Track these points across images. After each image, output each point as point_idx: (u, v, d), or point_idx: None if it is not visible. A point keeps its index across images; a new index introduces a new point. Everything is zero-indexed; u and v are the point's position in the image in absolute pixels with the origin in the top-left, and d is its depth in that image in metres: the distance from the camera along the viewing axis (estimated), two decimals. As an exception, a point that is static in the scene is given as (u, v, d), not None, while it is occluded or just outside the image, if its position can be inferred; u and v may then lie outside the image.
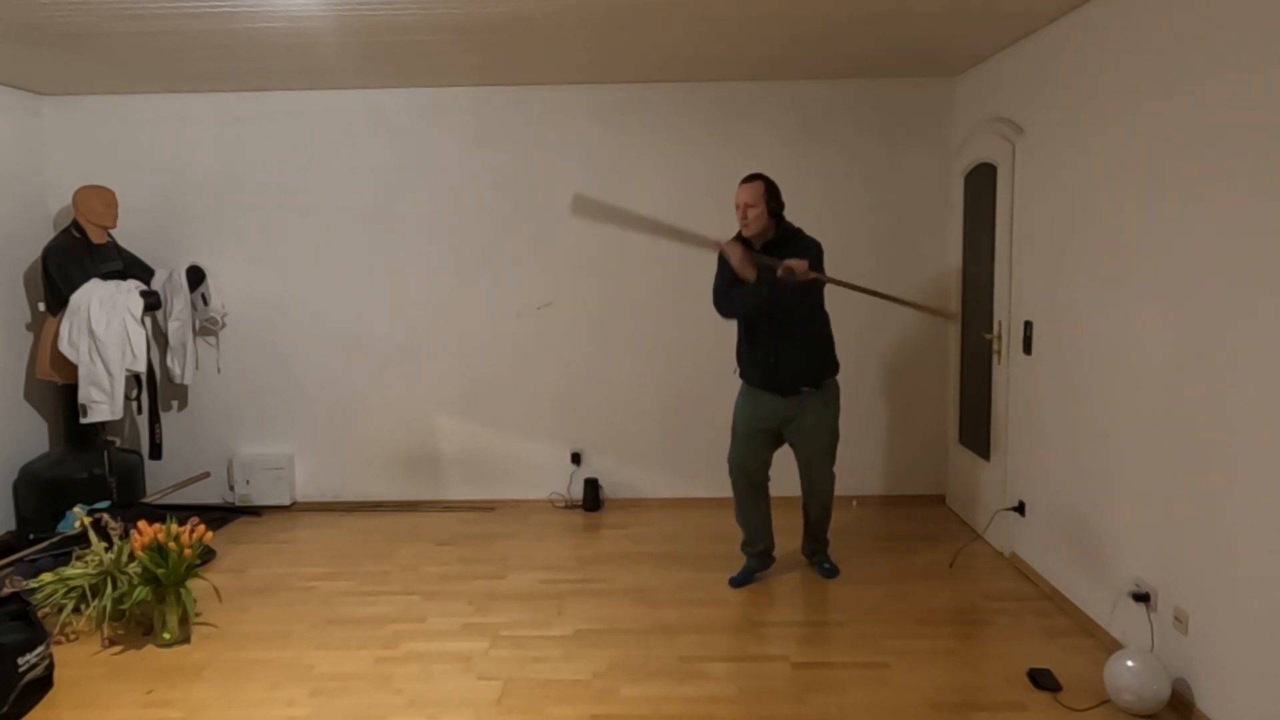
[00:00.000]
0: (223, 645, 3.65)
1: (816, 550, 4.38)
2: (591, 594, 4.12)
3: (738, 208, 3.88)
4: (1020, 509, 4.31)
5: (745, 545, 4.25)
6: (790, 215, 5.27)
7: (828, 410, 4.08)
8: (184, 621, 3.68)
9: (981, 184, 4.74)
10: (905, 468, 5.48)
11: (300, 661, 3.50)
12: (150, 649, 3.61)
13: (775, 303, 3.78)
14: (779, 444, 4.14)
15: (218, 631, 3.78)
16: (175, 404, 5.54)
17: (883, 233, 5.34)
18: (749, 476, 4.14)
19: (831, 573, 4.29)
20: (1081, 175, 3.70)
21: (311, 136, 5.34)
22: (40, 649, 3.20)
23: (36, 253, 5.06)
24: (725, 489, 4.25)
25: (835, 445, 4.17)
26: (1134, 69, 3.29)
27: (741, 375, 4.12)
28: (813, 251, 3.86)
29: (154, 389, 5.25)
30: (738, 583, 4.16)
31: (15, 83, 4.98)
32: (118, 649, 3.61)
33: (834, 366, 4.08)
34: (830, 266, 5.32)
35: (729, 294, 3.90)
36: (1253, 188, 2.65)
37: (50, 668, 3.28)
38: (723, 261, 3.93)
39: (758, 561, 4.24)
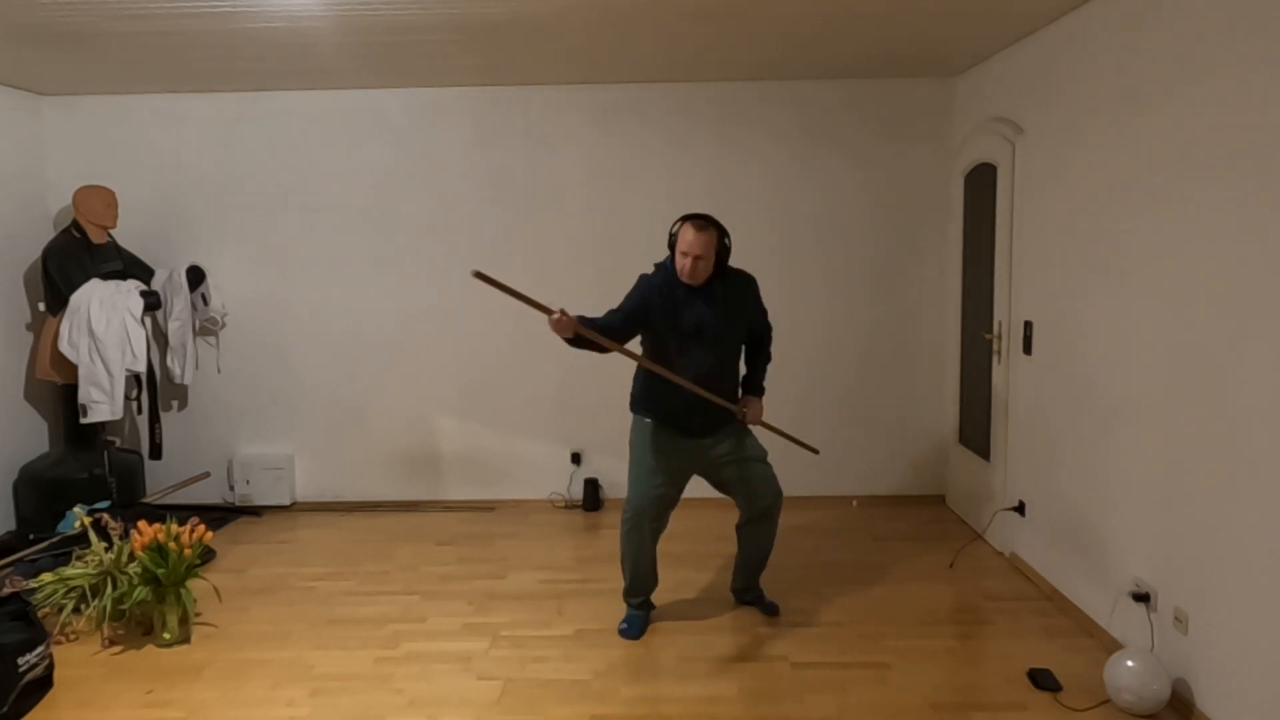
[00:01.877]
0: (223, 645, 3.65)
1: (753, 587, 3.94)
2: (591, 594, 4.12)
3: (684, 254, 3.38)
4: (1020, 509, 4.31)
5: (633, 594, 3.78)
6: (791, 215, 5.35)
7: (742, 428, 3.67)
8: (184, 621, 3.69)
9: (981, 184, 4.74)
10: (905, 468, 5.48)
11: (300, 661, 3.50)
12: (150, 649, 3.61)
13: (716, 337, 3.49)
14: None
15: (218, 631, 3.78)
16: (175, 404, 5.55)
17: (883, 233, 5.34)
18: (657, 523, 3.65)
19: (773, 609, 3.86)
20: (1081, 175, 3.70)
21: (311, 136, 5.34)
22: (40, 649, 3.20)
23: (36, 253, 5.06)
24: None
25: (766, 457, 3.71)
26: (1134, 69, 3.30)
27: (648, 412, 3.60)
28: (753, 289, 3.65)
29: (154, 389, 5.26)
30: (635, 635, 3.68)
31: (15, 83, 4.98)
32: (118, 649, 3.61)
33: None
34: (830, 267, 5.38)
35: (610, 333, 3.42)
36: (1253, 187, 2.65)
37: (50, 668, 3.28)
38: (629, 295, 3.56)
39: (646, 610, 3.81)
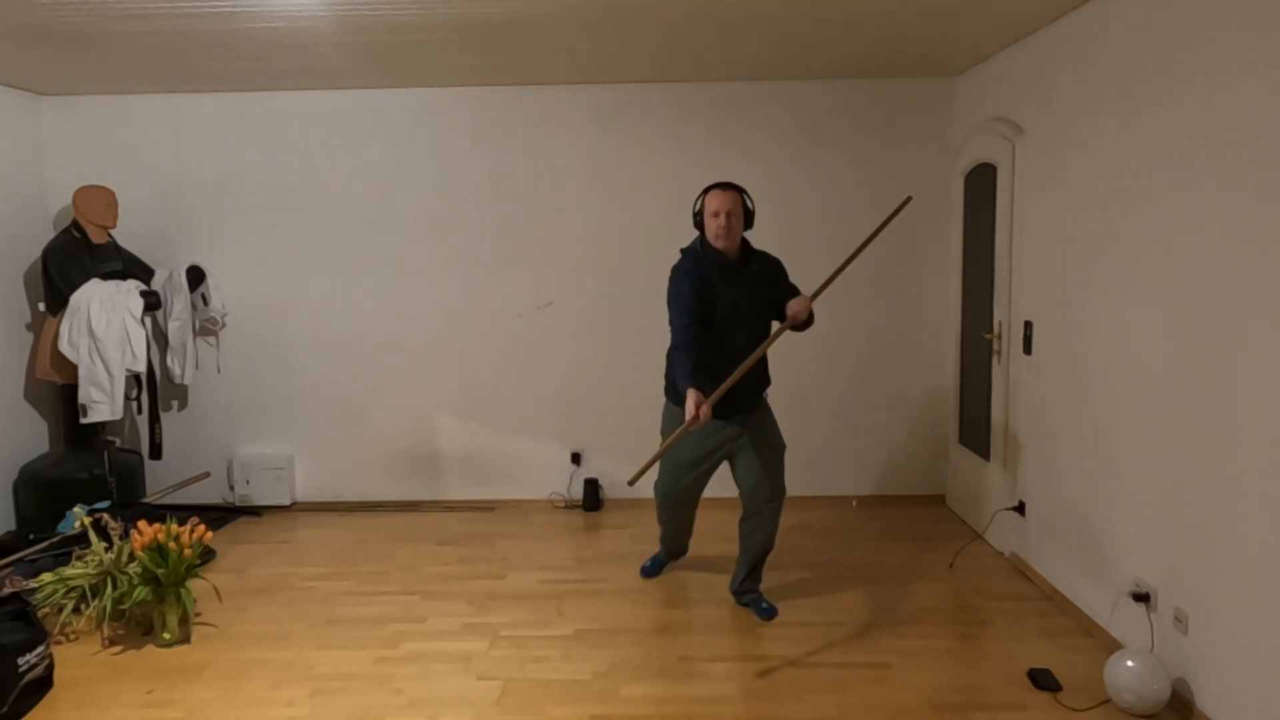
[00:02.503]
0: (223, 645, 3.65)
1: (752, 589, 3.93)
2: (591, 594, 4.12)
3: (716, 215, 3.49)
4: (1020, 509, 4.31)
5: (664, 542, 4.25)
6: (791, 214, 5.35)
7: (770, 417, 3.78)
8: (184, 621, 3.68)
9: (981, 184, 4.74)
10: (905, 468, 5.48)
11: (300, 661, 3.51)
12: (150, 649, 3.61)
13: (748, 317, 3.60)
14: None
15: (218, 631, 3.78)
16: (175, 404, 5.55)
17: (883, 232, 5.31)
18: (687, 506, 4.00)
19: (771, 612, 3.82)
20: (1081, 175, 3.70)
21: (311, 136, 5.34)
22: (40, 649, 3.20)
23: (36, 253, 5.07)
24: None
25: (784, 452, 3.80)
26: (1134, 69, 3.30)
27: (682, 400, 3.50)
28: (781, 269, 3.74)
29: (154, 389, 5.26)
30: (652, 572, 4.26)
31: (15, 83, 4.98)
32: (118, 649, 3.61)
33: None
34: (831, 267, 5.32)
35: (685, 364, 3.41)
36: (1252, 187, 2.65)
37: (50, 668, 3.28)
38: (677, 292, 3.53)
39: (671, 559, 4.31)
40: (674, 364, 3.56)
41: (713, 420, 3.51)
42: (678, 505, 3.99)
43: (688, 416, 3.26)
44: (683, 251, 3.66)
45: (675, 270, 3.61)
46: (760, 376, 3.71)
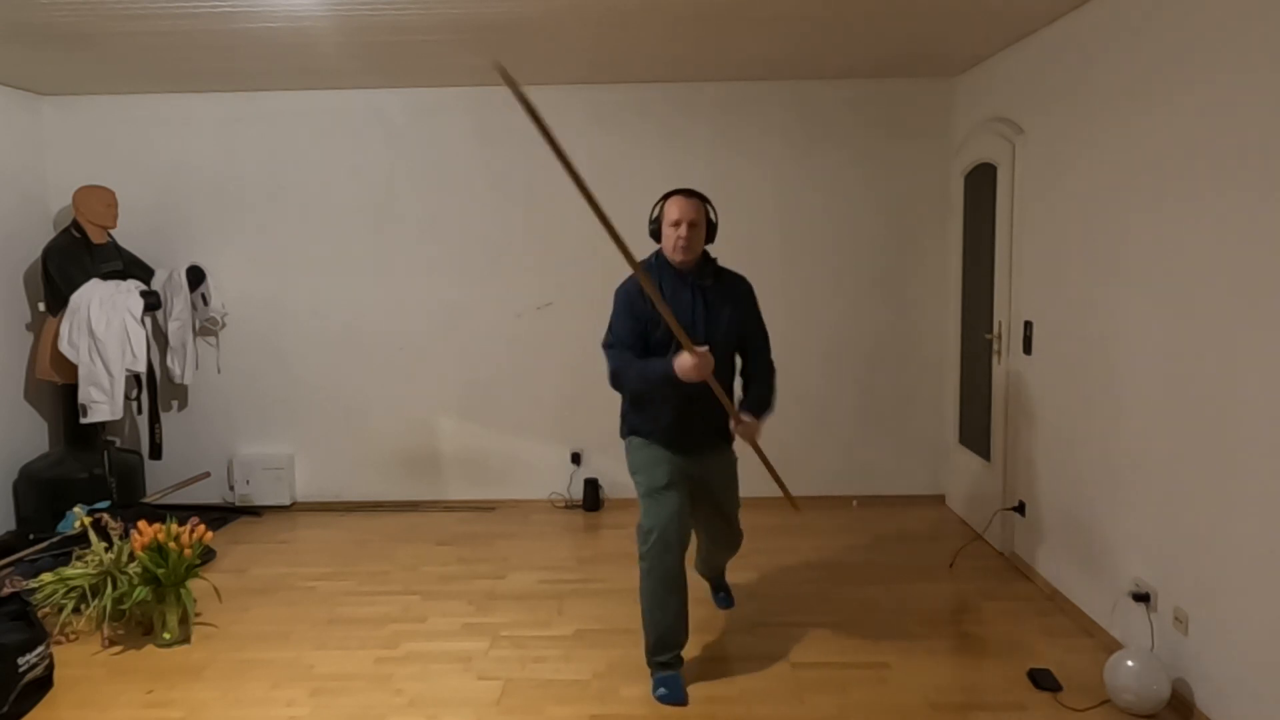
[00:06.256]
0: (223, 645, 3.65)
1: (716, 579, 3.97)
2: (591, 594, 4.12)
3: (676, 224, 3.10)
4: (1020, 509, 4.31)
5: (660, 650, 3.22)
6: (792, 216, 5.35)
7: (732, 470, 3.51)
8: (184, 621, 3.68)
9: (981, 184, 4.74)
10: (905, 468, 5.48)
11: (300, 661, 3.50)
12: (150, 649, 3.61)
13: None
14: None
15: (218, 631, 3.78)
16: (175, 404, 5.55)
17: (883, 232, 5.34)
18: (681, 536, 3.22)
19: (727, 602, 3.92)
20: (1081, 175, 3.70)
21: (311, 136, 5.34)
22: (40, 649, 3.20)
23: (36, 253, 5.06)
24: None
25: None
26: (1134, 69, 3.30)
27: (635, 431, 3.42)
28: (750, 295, 3.34)
29: (154, 389, 5.26)
30: (679, 698, 3.12)
31: (15, 83, 4.98)
32: (118, 649, 3.61)
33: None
34: (831, 267, 5.38)
35: (636, 368, 3.20)
36: (1252, 188, 2.65)
37: (50, 668, 3.27)
38: (615, 316, 3.28)
39: (680, 667, 3.26)
40: (623, 387, 3.26)
41: (667, 451, 3.26)
42: (676, 547, 3.15)
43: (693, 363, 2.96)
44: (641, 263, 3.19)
45: (618, 293, 3.29)
46: (720, 417, 3.27)
